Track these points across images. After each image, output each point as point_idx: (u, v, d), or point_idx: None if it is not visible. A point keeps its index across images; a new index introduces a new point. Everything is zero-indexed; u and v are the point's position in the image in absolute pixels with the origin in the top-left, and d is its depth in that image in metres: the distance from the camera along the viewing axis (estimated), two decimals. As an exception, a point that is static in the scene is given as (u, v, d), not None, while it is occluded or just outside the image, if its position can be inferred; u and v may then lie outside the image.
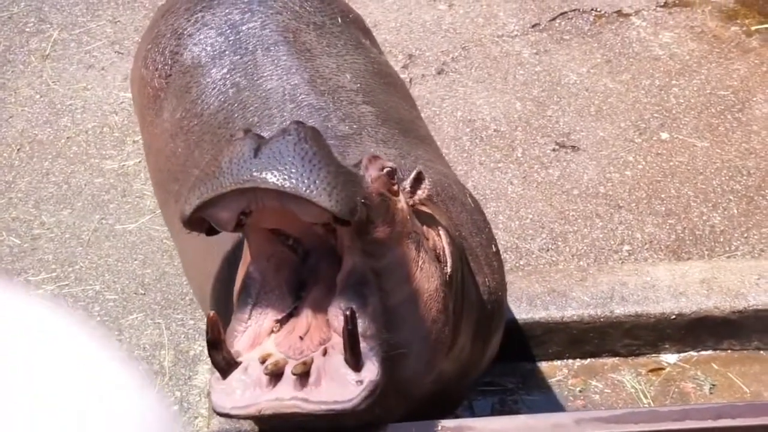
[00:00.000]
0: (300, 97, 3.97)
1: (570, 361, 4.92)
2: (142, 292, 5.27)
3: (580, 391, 4.79)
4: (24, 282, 5.32)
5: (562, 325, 4.84)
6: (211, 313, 2.70)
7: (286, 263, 2.89)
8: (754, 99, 6.31)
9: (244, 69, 4.16)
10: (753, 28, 6.87)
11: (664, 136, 6.06)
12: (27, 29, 6.94)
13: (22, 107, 6.37)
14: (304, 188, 2.53)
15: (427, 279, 2.96)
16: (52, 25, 6.97)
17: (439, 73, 6.48)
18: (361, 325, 2.69)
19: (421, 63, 6.57)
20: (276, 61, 4.13)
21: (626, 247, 5.39)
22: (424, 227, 3.12)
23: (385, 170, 2.93)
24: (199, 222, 2.70)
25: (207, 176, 2.60)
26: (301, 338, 2.78)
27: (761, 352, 4.93)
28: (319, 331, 2.79)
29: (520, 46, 6.73)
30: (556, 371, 4.90)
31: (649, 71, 6.53)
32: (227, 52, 4.27)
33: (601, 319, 4.83)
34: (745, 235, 5.44)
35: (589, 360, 4.92)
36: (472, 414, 4.67)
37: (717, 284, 4.90)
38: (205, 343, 4.90)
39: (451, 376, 3.37)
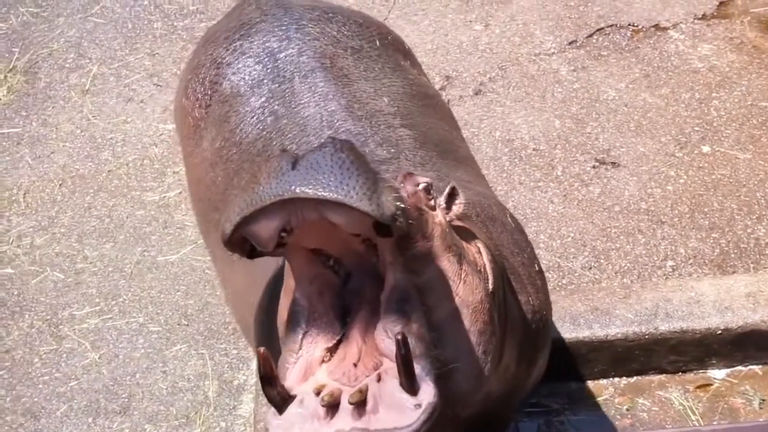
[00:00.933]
0: (337, 123, 3.98)
1: (616, 379, 4.87)
2: (185, 323, 5.28)
3: (627, 410, 4.74)
4: (69, 316, 5.36)
5: (607, 344, 4.80)
6: (261, 349, 2.68)
7: (328, 286, 2.88)
8: (796, 108, 6.24)
9: (282, 97, 4.18)
10: (793, 36, 6.80)
11: (706, 149, 6.00)
12: (67, 65, 7.01)
13: (64, 142, 6.43)
14: (343, 194, 2.52)
15: (471, 292, 2.94)
16: (92, 60, 7.04)
17: (476, 94, 6.46)
18: (410, 344, 2.65)
19: (459, 84, 6.56)
20: (313, 88, 4.14)
21: (670, 263, 5.33)
22: (464, 243, 3.11)
23: (420, 186, 2.92)
24: (240, 243, 2.68)
25: (246, 192, 2.59)
26: (355, 365, 2.77)
27: (810, 364, 4.86)
28: (371, 356, 2.77)
29: (558, 64, 6.70)
30: (603, 390, 4.85)
31: (689, 84, 6.47)
32: (265, 81, 4.29)
33: (646, 336, 4.78)
34: (791, 246, 5.37)
35: (635, 378, 4.87)
36: (519, 436, 4.64)
37: (763, 297, 4.83)
38: (248, 372, 4.93)
39: (496, 395, 3.33)
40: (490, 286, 3.09)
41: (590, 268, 5.33)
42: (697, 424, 4.57)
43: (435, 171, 3.89)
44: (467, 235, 3.18)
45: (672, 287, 4.94)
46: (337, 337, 2.84)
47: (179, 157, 6.21)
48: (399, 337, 2.60)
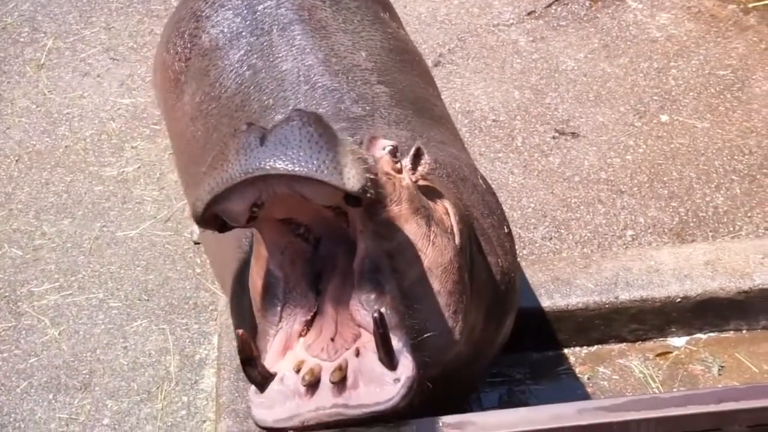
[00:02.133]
0: (314, 78, 3.97)
1: (577, 348, 4.90)
2: (146, 298, 5.25)
3: (588, 379, 4.77)
4: (28, 293, 5.31)
5: (568, 313, 4.81)
6: (241, 331, 2.69)
7: (299, 254, 2.89)
8: (754, 77, 6.26)
9: (261, 50, 4.17)
10: (750, 5, 6.82)
11: (664, 118, 6.02)
12: (21, 39, 6.93)
13: (19, 118, 6.36)
14: (314, 169, 2.52)
15: (441, 253, 2.95)
16: (46, 34, 6.96)
17: (435, 65, 6.44)
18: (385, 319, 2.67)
19: (418, 56, 6.54)
20: (291, 42, 4.12)
21: (629, 232, 5.35)
22: (431, 203, 3.11)
23: (386, 149, 2.92)
24: (212, 219, 2.69)
25: (215, 170, 2.59)
26: (332, 339, 2.79)
27: (768, 331, 4.91)
28: (347, 327, 2.79)
29: (517, 35, 6.70)
30: (564, 360, 4.87)
31: (647, 54, 6.49)
32: (244, 33, 4.26)
33: (607, 306, 4.80)
34: (749, 214, 5.40)
35: (596, 347, 4.89)
36: (480, 406, 4.65)
37: (722, 265, 4.86)
38: (210, 347, 4.92)
39: (464, 358, 3.35)
40: (458, 243, 3.11)
41: (551, 239, 5.35)
42: (656, 392, 4.61)
43: (409, 130, 3.89)
44: (434, 194, 3.18)
45: (632, 256, 4.96)
46: (314, 309, 2.85)
47: (137, 132, 6.18)
48: (376, 315, 2.62)
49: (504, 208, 5.43)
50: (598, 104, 6.14)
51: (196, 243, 5.46)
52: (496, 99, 6.21)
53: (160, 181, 5.87)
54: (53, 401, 4.84)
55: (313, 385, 2.65)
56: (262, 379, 2.70)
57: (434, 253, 2.93)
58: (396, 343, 2.69)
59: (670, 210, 5.45)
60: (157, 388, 4.85)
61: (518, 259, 5.08)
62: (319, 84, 3.95)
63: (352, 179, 2.56)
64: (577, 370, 4.81)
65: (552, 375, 4.81)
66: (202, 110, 4.26)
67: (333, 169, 2.53)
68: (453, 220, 3.16)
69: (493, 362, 4.09)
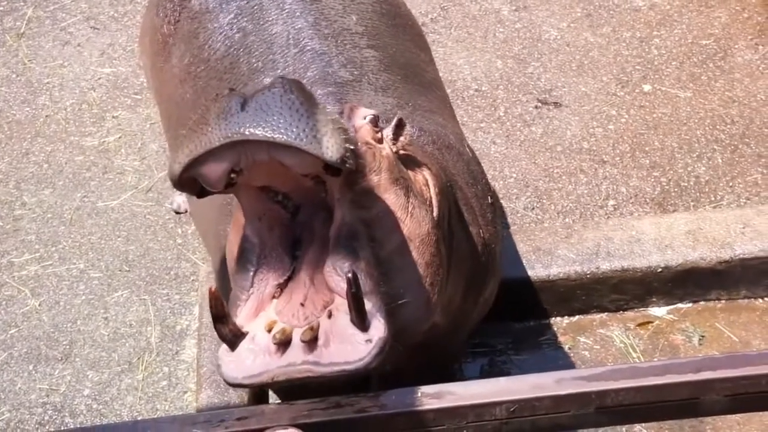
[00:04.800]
0: (303, 42, 3.97)
1: (558, 318, 4.91)
2: (127, 269, 5.23)
3: (569, 349, 4.78)
4: (8, 263, 5.29)
5: (549, 284, 4.82)
6: (212, 287, 2.69)
7: (277, 221, 2.88)
8: (736, 46, 6.25)
9: (251, 13, 4.14)
10: (733, -26, 6.81)
11: (647, 88, 6.01)
12: (0, 7, 6.87)
13: (-1, 87, 6.33)
14: (293, 137, 2.51)
15: (419, 224, 2.96)
16: (26, 3, 6.90)
17: (418, 35, 6.41)
18: (359, 282, 2.67)
19: (400, 25, 6.51)
20: (281, 5, 4.10)
21: (611, 202, 5.36)
22: (411, 173, 3.10)
23: (367, 119, 2.91)
24: (190, 183, 2.67)
25: (195, 133, 2.57)
26: (302, 305, 2.78)
27: (749, 300, 4.92)
28: (320, 294, 2.78)
29: (499, 4, 6.67)
30: (545, 330, 4.88)
31: (630, 23, 6.47)
32: None
33: (588, 276, 4.81)
34: (731, 184, 5.41)
35: (577, 317, 4.91)
36: (462, 376, 4.66)
37: (703, 235, 4.88)
38: (191, 317, 4.91)
39: (443, 328, 3.36)
40: (435, 217, 3.11)
41: (533, 209, 5.35)
42: (637, 362, 4.63)
43: (396, 97, 3.89)
44: (415, 165, 3.18)
45: (613, 226, 4.97)
46: (287, 274, 2.84)
47: (118, 101, 6.14)
48: (349, 275, 2.62)
49: (486, 178, 5.46)
50: (580, 74, 6.13)
51: (177, 213, 5.44)
52: (479, 68, 6.19)
53: (142, 151, 5.84)
54: (33, 372, 4.83)
55: (284, 344, 2.65)
56: (232, 337, 2.69)
57: (412, 223, 2.93)
58: (369, 306, 2.69)
59: (652, 180, 5.46)
60: (138, 358, 4.84)
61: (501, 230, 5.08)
62: (308, 47, 3.95)
63: (331, 148, 2.55)
64: (558, 340, 4.83)
65: (533, 345, 4.83)
66: (190, 72, 4.24)
67: (312, 138, 2.52)
68: (432, 192, 3.16)
69: (474, 332, 4.10)
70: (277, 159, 2.58)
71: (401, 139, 3.10)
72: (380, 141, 2.94)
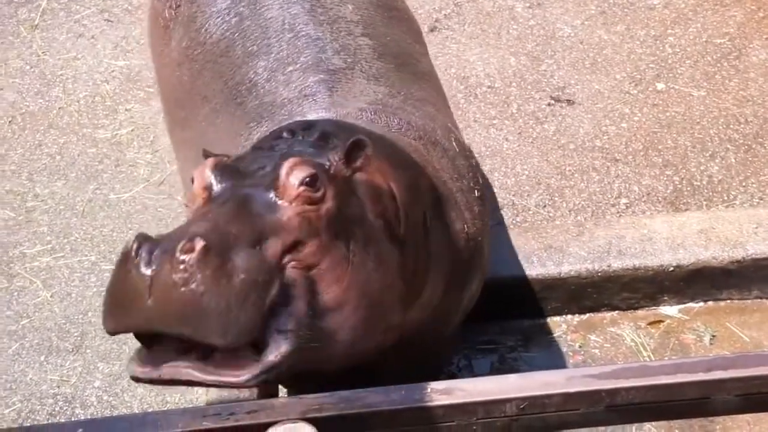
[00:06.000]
0: (298, 27, 3.99)
1: (569, 316, 4.90)
2: (138, 261, 5.23)
3: (579, 347, 4.78)
4: (20, 254, 5.30)
5: (560, 281, 4.82)
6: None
7: None
8: (751, 46, 6.23)
9: None
10: (749, -27, 6.78)
11: (660, 86, 6.00)
12: (15, -1, 6.90)
13: (13, 79, 6.33)
14: (194, 332, 2.64)
15: (360, 270, 2.99)
16: (41, -5, 6.93)
17: (431, 31, 6.41)
18: (280, 319, 2.76)
19: (414, 21, 6.50)
20: None
21: (623, 201, 5.34)
22: (375, 188, 3.13)
23: (306, 182, 2.92)
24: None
25: (111, 308, 2.70)
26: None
27: (761, 300, 4.91)
28: None
29: (513, 1, 6.65)
30: (556, 327, 4.88)
31: (644, 21, 6.45)
32: None
33: (599, 274, 4.80)
34: (744, 183, 5.39)
35: (587, 315, 4.90)
36: (472, 372, 4.66)
37: (715, 235, 4.87)
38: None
39: (423, 324, 3.44)
40: (402, 231, 3.17)
41: (544, 206, 5.34)
42: (648, 360, 4.62)
43: (389, 85, 3.91)
44: (382, 178, 3.19)
45: (625, 225, 4.96)
46: None
47: (131, 94, 6.16)
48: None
49: (498, 174, 5.46)
50: (594, 71, 6.11)
51: (188, 206, 5.44)
52: (492, 65, 6.18)
53: (154, 144, 5.85)
54: (45, 363, 4.84)
55: (184, 350, 2.73)
56: (147, 339, 2.77)
57: (353, 272, 2.97)
58: (276, 337, 2.77)
59: (665, 178, 5.44)
60: (149, 351, 4.84)
61: (512, 227, 5.08)
62: (303, 33, 3.97)
63: (231, 336, 2.66)
64: (568, 338, 4.82)
65: (543, 342, 4.82)
66: (188, 55, 4.28)
67: (213, 332, 2.63)
68: (399, 203, 3.20)
69: (463, 327, 4.10)
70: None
71: (359, 161, 3.10)
72: (320, 199, 2.95)
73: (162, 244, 2.67)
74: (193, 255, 2.63)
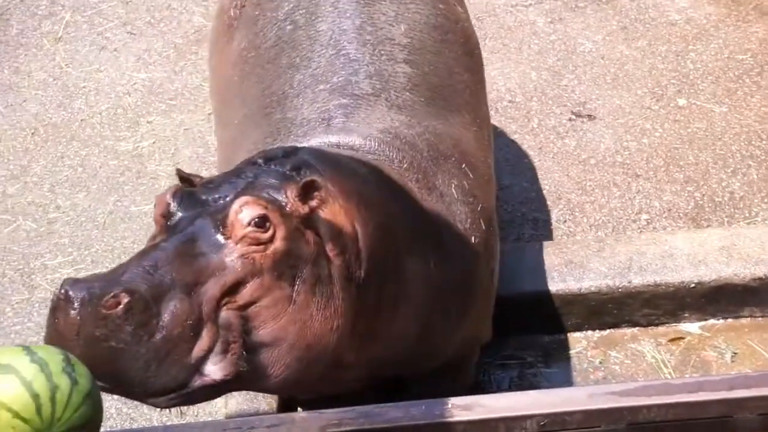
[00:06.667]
0: (342, 44, 4.00)
1: (589, 332, 4.89)
2: (159, 273, 5.25)
3: (600, 363, 4.76)
4: (41, 266, 5.32)
5: (581, 297, 4.81)
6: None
7: None
8: (773, 62, 6.22)
9: (306, 8, 4.19)
10: (771, -11, 6.77)
11: (682, 102, 5.99)
12: (39, 12, 6.93)
13: (36, 91, 6.37)
14: (123, 391, 2.81)
15: (301, 309, 3.02)
16: (64, 7, 6.95)
17: (453, 45, 6.40)
18: (213, 370, 2.87)
19: (435, 35, 6.51)
20: (335, 3, 4.13)
21: (644, 216, 5.33)
22: (332, 230, 3.14)
23: (252, 223, 2.96)
24: None
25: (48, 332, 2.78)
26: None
27: (782, 318, 4.89)
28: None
29: (535, 15, 6.66)
30: (576, 343, 4.87)
31: (666, 37, 6.44)
32: None
33: (620, 290, 4.79)
34: (766, 200, 5.37)
35: (608, 331, 4.89)
36: (492, 388, 4.65)
37: (737, 251, 4.85)
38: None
39: (405, 356, 3.52)
40: (362, 272, 3.20)
41: (565, 221, 5.33)
42: (669, 377, 4.60)
43: (409, 116, 3.88)
44: (346, 217, 3.20)
45: (646, 241, 4.94)
46: None
47: (153, 107, 6.19)
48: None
49: (518, 189, 5.45)
50: (615, 87, 6.11)
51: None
52: (513, 80, 6.19)
53: (175, 157, 5.87)
54: (65, 374, 4.85)
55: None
56: None
57: (294, 310, 3.00)
58: (224, 348, 2.88)
59: (686, 194, 5.43)
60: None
61: (532, 242, 5.06)
62: (344, 52, 3.97)
63: (158, 390, 2.80)
64: (589, 354, 4.81)
65: (564, 358, 4.81)
66: (242, 56, 4.31)
67: (140, 390, 2.79)
68: (362, 244, 3.22)
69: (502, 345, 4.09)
70: None
71: (314, 201, 3.10)
72: (269, 240, 2.99)
73: (90, 290, 2.72)
74: (117, 311, 2.70)
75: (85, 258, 5.35)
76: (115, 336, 2.68)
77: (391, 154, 3.66)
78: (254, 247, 2.95)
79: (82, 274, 5.17)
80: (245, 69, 4.24)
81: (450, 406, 2.71)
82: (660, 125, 5.84)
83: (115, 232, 5.47)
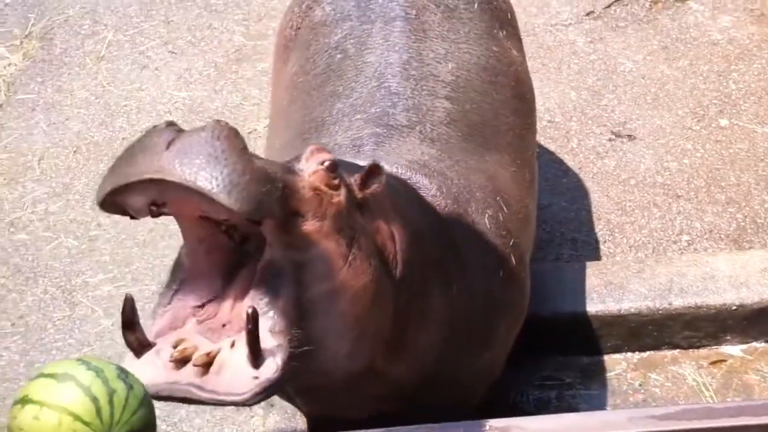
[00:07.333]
0: (385, 77, 4.01)
1: (629, 354, 4.85)
2: (198, 291, 5.27)
3: (639, 385, 4.73)
4: (82, 283, 5.36)
5: (620, 318, 4.78)
6: (127, 294, 2.85)
7: (219, 246, 2.95)
8: (817, 82, 6.17)
9: (358, 37, 4.20)
10: (814, 9, 6.72)
11: (724, 122, 5.95)
12: (82, 31, 7.00)
13: (78, 109, 6.43)
14: (207, 184, 2.61)
15: (355, 276, 2.97)
16: (107, 27, 7.02)
17: (492, 65, 6.41)
18: (271, 320, 2.77)
19: (475, 55, 6.51)
20: (387, 36, 4.15)
21: (685, 237, 5.29)
22: (377, 223, 3.13)
23: (325, 164, 2.95)
24: (114, 207, 2.79)
25: (120, 163, 2.70)
26: (224, 326, 2.86)
27: (825, 341, 4.83)
28: (240, 318, 2.83)
29: (574, 35, 6.65)
30: (615, 365, 4.83)
31: (708, 57, 6.40)
32: (352, 17, 4.30)
33: (660, 311, 4.75)
34: (808, 222, 5.33)
35: (648, 353, 4.85)
36: (531, 408, 4.63)
37: (780, 273, 4.80)
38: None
39: (419, 381, 3.44)
40: (398, 274, 3.17)
41: (604, 242, 5.31)
42: (710, 401, 4.56)
43: (441, 150, 3.86)
44: (384, 217, 3.20)
45: (687, 262, 4.91)
46: (213, 295, 2.92)
47: (193, 126, 6.17)
48: (249, 311, 2.69)
49: (557, 209, 5.43)
50: (655, 107, 6.08)
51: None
52: (552, 99, 6.17)
53: (215, 175, 5.89)
54: (105, 391, 4.87)
55: (181, 362, 2.74)
56: (138, 346, 2.82)
57: (349, 273, 2.95)
58: (272, 344, 2.75)
59: (728, 216, 5.39)
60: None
61: (572, 262, 5.04)
62: (386, 84, 3.98)
63: (240, 200, 2.63)
64: (628, 376, 4.78)
65: (602, 380, 4.77)
66: (292, 81, 4.33)
67: (223, 188, 2.61)
68: (398, 247, 3.19)
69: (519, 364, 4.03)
70: (193, 200, 2.68)
71: (373, 186, 3.11)
72: (336, 187, 2.97)
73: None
74: (223, 130, 2.68)
75: (125, 275, 5.39)
76: (219, 139, 2.65)
77: (420, 180, 3.66)
78: (324, 187, 2.93)
79: (122, 292, 5.22)
80: (294, 94, 4.27)
81: (488, 428, 2.70)
82: (701, 146, 5.80)
83: (155, 250, 5.51)
